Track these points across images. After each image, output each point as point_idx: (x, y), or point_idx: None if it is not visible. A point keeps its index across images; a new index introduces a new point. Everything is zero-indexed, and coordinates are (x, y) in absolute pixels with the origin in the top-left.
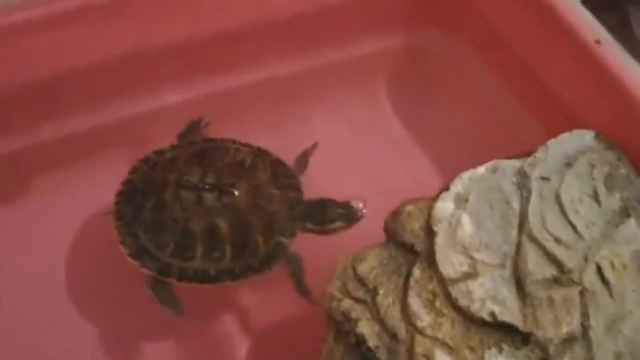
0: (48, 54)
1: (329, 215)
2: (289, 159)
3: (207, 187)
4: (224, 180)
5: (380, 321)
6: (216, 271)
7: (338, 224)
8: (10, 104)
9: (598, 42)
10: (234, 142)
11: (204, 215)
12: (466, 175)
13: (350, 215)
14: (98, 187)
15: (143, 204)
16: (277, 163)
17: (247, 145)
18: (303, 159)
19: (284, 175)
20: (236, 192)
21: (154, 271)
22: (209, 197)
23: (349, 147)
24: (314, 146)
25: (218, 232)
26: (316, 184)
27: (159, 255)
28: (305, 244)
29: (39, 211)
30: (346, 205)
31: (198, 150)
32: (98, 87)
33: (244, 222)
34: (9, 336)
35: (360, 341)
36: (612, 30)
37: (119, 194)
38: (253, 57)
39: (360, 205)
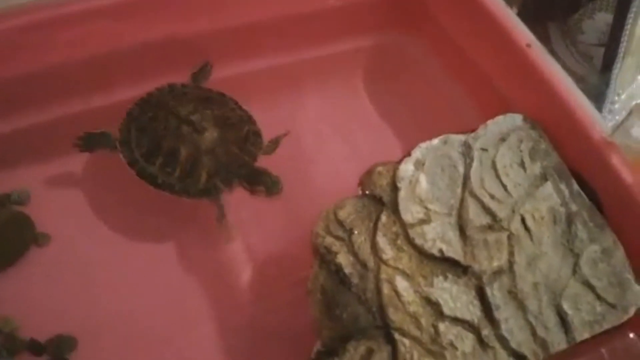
0: (102, 38)
1: (258, 180)
2: (281, 130)
3: (187, 121)
4: (203, 123)
5: (354, 254)
6: (162, 181)
7: (261, 188)
8: (73, 75)
9: (529, 45)
10: (235, 103)
11: (175, 140)
12: (424, 145)
13: (270, 188)
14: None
15: (146, 112)
16: (254, 134)
17: (242, 110)
18: (274, 143)
19: (251, 144)
20: (205, 135)
21: (126, 160)
22: (185, 130)
23: (333, 123)
24: (285, 134)
25: (177, 155)
26: (309, 150)
27: (134, 151)
28: (299, 194)
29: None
30: (274, 178)
31: (203, 95)
32: (137, 66)
33: (198, 158)
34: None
35: (339, 268)
36: None
37: (139, 100)
38: (256, 49)
39: (281, 183)
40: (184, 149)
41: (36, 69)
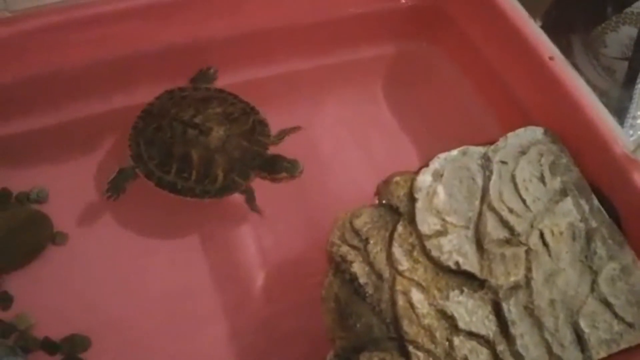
0: (121, 41)
1: (277, 167)
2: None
3: (191, 125)
4: (207, 123)
5: (370, 264)
6: (182, 187)
7: (283, 174)
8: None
9: (552, 58)
10: (235, 97)
11: (184, 145)
12: (442, 155)
13: (291, 171)
14: None
15: (150, 123)
16: (260, 123)
17: (243, 101)
18: (283, 132)
19: (259, 133)
20: (212, 134)
21: (142, 174)
22: (191, 133)
23: (351, 130)
24: (296, 128)
25: (189, 159)
26: (325, 155)
27: (147, 163)
28: (314, 199)
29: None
30: (292, 161)
31: (202, 96)
32: (156, 68)
33: (210, 158)
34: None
35: (354, 278)
36: None
37: (141, 113)
38: (280, 54)
39: (301, 164)
40: (194, 152)
41: (56, 69)
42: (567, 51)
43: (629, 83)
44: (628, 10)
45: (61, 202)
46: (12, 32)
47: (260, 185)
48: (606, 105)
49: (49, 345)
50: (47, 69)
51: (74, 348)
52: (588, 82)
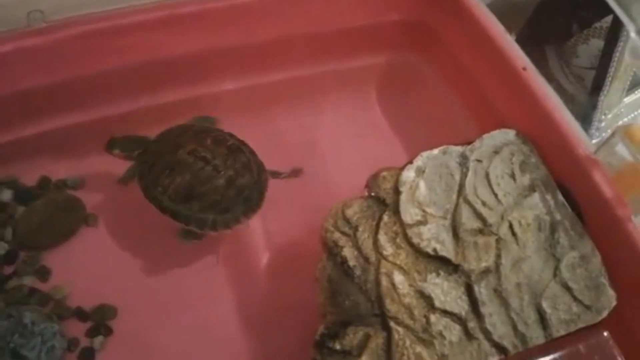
0: (148, 48)
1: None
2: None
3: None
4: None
5: (358, 249)
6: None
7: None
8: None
9: (524, 69)
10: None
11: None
12: (425, 154)
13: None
14: None
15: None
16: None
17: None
18: (273, 173)
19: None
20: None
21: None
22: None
23: (347, 131)
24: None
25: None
26: (324, 153)
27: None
28: (313, 190)
29: None
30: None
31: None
32: (179, 73)
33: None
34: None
35: (344, 261)
36: (532, 62)
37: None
38: (282, 62)
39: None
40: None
41: (88, 73)
42: (542, 61)
43: (595, 90)
44: (597, 24)
45: (93, 189)
46: (48, 40)
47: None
48: (574, 109)
49: (80, 314)
50: (80, 73)
51: (103, 316)
52: (560, 88)
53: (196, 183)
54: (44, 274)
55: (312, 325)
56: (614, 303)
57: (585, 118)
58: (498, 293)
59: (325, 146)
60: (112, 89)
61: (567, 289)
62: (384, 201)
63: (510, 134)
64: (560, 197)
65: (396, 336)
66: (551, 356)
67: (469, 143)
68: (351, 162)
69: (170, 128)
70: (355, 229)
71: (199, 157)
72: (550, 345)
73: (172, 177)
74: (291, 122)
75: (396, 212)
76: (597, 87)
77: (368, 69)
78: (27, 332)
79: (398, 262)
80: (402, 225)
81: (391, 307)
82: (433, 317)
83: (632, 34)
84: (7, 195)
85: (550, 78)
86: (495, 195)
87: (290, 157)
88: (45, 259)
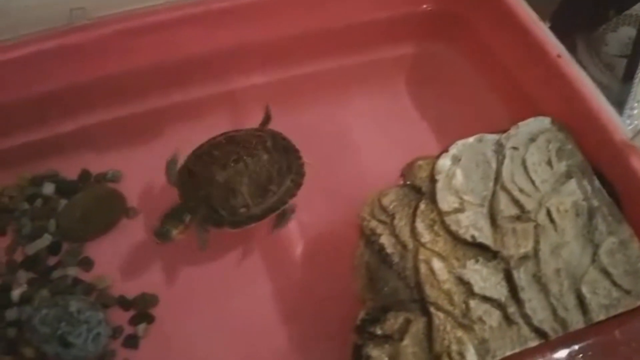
0: (179, 44)
1: None
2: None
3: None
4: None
5: (396, 236)
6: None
7: None
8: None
9: (559, 56)
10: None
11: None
12: (460, 142)
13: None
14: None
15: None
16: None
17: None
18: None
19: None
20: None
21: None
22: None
23: (376, 121)
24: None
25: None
26: (354, 143)
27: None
28: (344, 181)
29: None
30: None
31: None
32: (215, 68)
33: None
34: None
35: (381, 248)
36: None
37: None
38: (313, 54)
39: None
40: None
41: (126, 69)
42: (572, 49)
43: (627, 78)
44: (627, 12)
45: (132, 182)
46: (91, 37)
47: None
48: (607, 97)
49: (123, 302)
50: (119, 69)
51: (145, 304)
52: (591, 77)
53: (254, 176)
54: (87, 264)
55: (350, 313)
56: None
57: (618, 106)
58: (537, 279)
59: (356, 136)
60: (148, 85)
61: (607, 274)
62: (420, 189)
63: (545, 122)
64: (597, 183)
65: (437, 321)
66: (587, 342)
67: (504, 131)
68: (382, 151)
69: (179, 170)
70: (392, 217)
71: (234, 160)
72: (586, 331)
73: (236, 192)
74: (317, 116)
75: (433, 200)
76: (629, 74)
77: (397, 59)
78: (74, 320)
79: (436, 249)
80: (440, 213)
81: (431, 293)
82: (472, 303)
83: None
84: (49, 188)
85: (579, 66)
86: (533, 182)
87: (320, 149)
88: (87, 250)
